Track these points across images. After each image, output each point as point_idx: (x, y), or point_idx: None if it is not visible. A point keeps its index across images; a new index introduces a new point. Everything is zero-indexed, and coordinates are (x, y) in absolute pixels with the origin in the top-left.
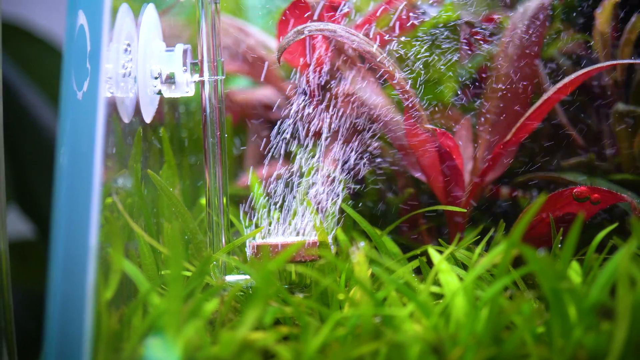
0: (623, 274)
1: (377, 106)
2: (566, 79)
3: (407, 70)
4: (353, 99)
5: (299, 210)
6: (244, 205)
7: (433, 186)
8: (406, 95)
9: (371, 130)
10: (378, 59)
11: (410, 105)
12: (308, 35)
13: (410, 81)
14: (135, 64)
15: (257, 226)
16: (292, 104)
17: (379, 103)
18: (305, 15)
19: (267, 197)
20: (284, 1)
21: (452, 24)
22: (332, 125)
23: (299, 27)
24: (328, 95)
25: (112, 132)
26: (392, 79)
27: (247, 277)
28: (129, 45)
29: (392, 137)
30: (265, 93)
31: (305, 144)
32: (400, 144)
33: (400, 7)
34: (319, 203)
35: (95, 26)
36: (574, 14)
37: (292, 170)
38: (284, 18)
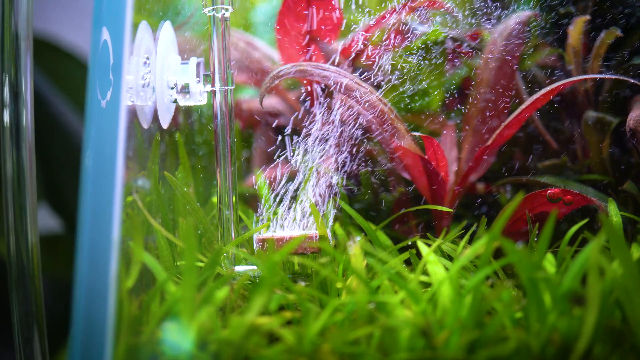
0: (593, 264)
1: (368, 115)
2: (542, 91)
3: (398, 79)
4: (348, 107)
5: (301, 207)
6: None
7: (419, 186)
8: (384, 118)
9: (365, 136)
10: (349, 84)
11: (389, 124)
12: (283, 77)
13: (389, 105)
14: (154, 76)
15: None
16: (295, 113)
17: (370, 113)
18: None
19: (272, 196)
20: None
21: (439, 39)
22: (331, 131)
23: (274, 72)
24: (327, 104)
25: (132, 136)
26: (370, 104)
27: (254, 267)
28: (147, 58)
29: (382, 142)
30: (270, 102)
31: (306, 148)
32: (390, 149)
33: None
34: (321, 200)
35: (117, 41)
36: (549, 30)
37: (294, 171)
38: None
